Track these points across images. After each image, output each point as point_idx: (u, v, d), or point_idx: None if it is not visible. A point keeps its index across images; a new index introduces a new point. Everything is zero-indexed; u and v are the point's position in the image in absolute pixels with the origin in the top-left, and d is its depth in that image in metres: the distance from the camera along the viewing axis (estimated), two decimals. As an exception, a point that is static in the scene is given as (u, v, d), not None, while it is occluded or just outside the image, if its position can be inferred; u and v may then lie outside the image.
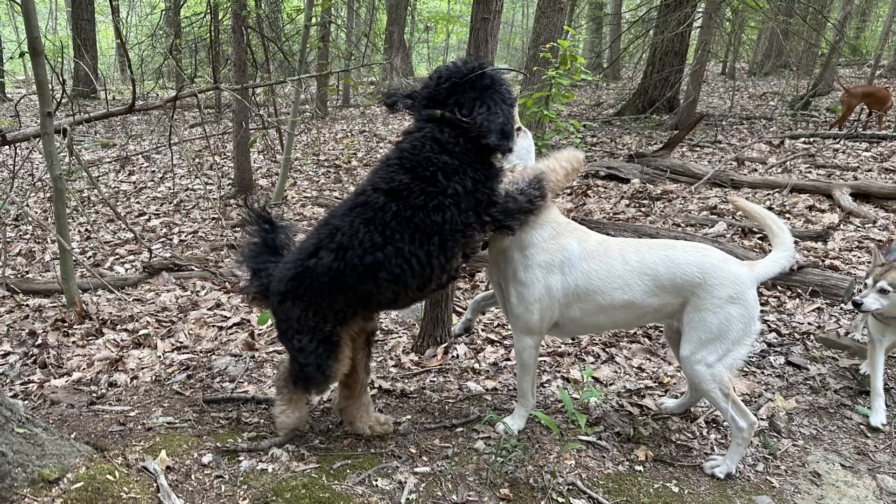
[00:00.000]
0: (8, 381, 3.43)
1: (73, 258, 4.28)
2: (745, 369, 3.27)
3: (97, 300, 4.54)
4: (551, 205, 2.49)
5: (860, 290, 2.88)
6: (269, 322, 3.33)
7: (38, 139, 4.36)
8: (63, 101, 4.31)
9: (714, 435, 2.74)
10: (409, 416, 2.81)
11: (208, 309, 4.44)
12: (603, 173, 7.61)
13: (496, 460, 2.36)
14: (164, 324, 4.16)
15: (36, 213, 7.12)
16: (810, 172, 7.32)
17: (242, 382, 3.25)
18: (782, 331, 3.72)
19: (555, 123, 4.39)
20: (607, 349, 3.55)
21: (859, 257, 4.73)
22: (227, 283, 4.93)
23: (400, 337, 3.79)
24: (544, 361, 3.39)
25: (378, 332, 3.72)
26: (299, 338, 2.30)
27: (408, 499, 2.22)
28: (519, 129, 2.52)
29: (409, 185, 2.15)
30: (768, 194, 6.45)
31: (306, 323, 2.28)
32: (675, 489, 2.35)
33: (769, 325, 3.77)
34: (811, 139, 9.11)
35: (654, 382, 3.19)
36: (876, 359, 2.89)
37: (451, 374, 3.25)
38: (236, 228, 6.51)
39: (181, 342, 3.87)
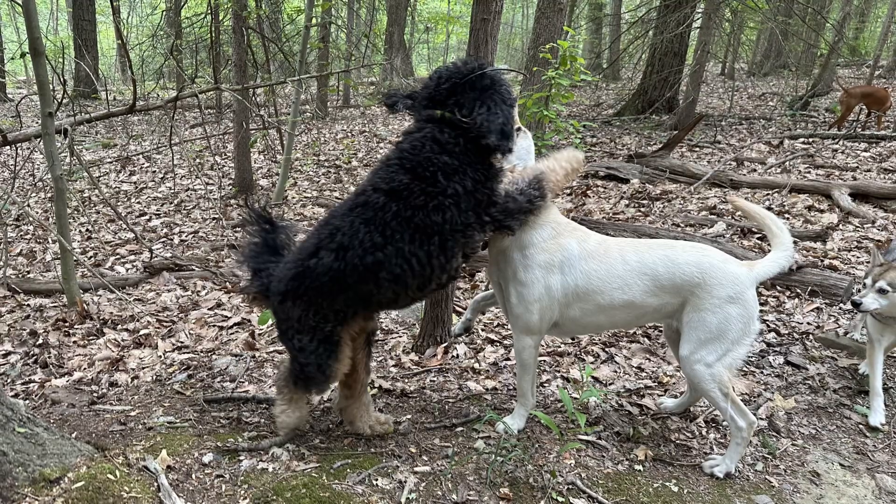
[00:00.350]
0: (9, 380, 3.44)
1: (74, 258, 4.29)
2: (745, 369, 3.28)
3: (98, 300, 4.55)
4: (551, 205, 2.50)
5: (859, 290, 2.89)
6: (270, 322, 3.34)
7: (39, 139, 4.37)
8: (64, 101, 4.32)
9: (713, 434, 2.75)
10: (409, 416, 2.82)
11: (209, 309, 4.44)
12: (602, 173, 7.62)
13: (496, 460, 2.36)
14: (164, 324, 4.17)
15: (37, 213, 7.13)
16: (809, 173, 7.33)
17: (243, 382, 3.26)
18: (781, 330, 3.73)
19: (554, 124, 4.40)
20: (607, 349, 3.55)
21: (858, 257, 4.74)
22: (227, 283, 4.94)
23: (400, 337, 3.80)
24: (544, 361, 3.40)
25: (378, 332, 3.72)
26: (300, 338, 2.31)
27: (408, 498, 2.22)
28: (519, 129, 2.53)
29: (410, 185, 2.16)
30: (767, 194, 6.46)
31: (307, 323, 2.29)
32: (675, 488, 2.36)
33: (768, 325, 3.77)
34: (810, 139, 9.12)
35: (654, 382, 3.20)
36: (875, 358, 2.90)
37: (451, 374, 3.26)
38: (237, 228, 6.52)
39: (182, 342, 3.87)
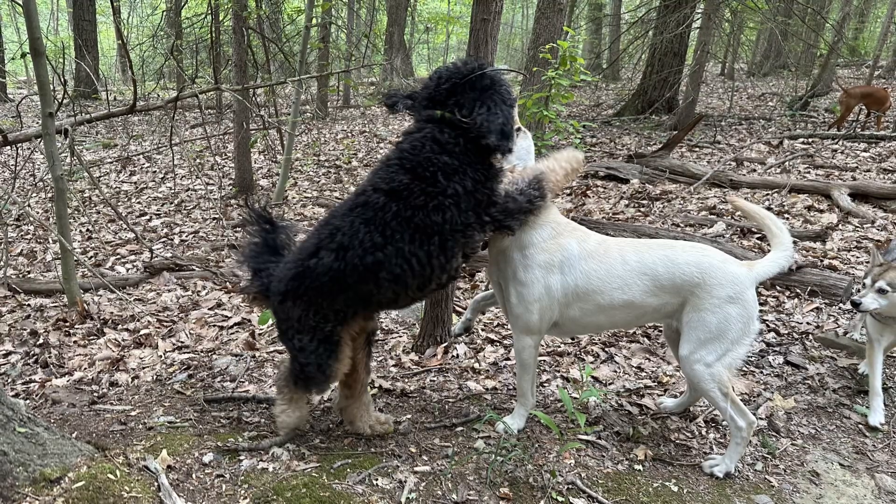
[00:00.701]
0: (10, 380, 3.44)
1: (75, 258, 4.29)
2: (744, 369, 3.28)
3: (98, 300, 4.55)
4: (551, 205, 2.50)
5: (858, 290, 2.89)
6: (270, 322, 3.34)
7: (39, 140, 4.37)
8: (64, 101, 4.32)
9: (713, 434, 2.75)
10: (409, 416, 2.82)
11: (209, 309, 4.45)
12: (602, 173, 7.62)
13: (496, 459, 2.37)
14: (165, 323, 4.18)
15: (37, 213, 7.13)
16: (809, 173, 7.34)
17: (243, 382, 3.26)
18: (781, 330, 3.73)
19: (554, 124, 4.41)
20: (607, 349, 3.56)
21: (858, 257, 4.75)
22: (227, 283, 4.94)
23: (400, 336, 3.80)
24: (544, 361, 3.40)
25: (378, 332, 3.73)
26: (300, 337, 2.31)
27: (408, 498, 2.23)
28: (518, 129, 2.53)
29: (410, 185, 2.16)
30: (767, 194, 6.46)
31: (307, 323, 2.29)
32: (675, 488, 2.36)
33: (768, 325, 3.78)
34: (810, 139, 9.12)
35: (654, 382, 3.20)
36: (874, 358, 2.90)
37: (451, 374, 3.26)
38: (237, 228, 6.52)
39: (182, 342, 3.88)
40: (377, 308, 2.44)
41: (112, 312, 4.33)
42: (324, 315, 2.29)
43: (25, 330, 4.06)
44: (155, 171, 9.58)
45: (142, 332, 4.00)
